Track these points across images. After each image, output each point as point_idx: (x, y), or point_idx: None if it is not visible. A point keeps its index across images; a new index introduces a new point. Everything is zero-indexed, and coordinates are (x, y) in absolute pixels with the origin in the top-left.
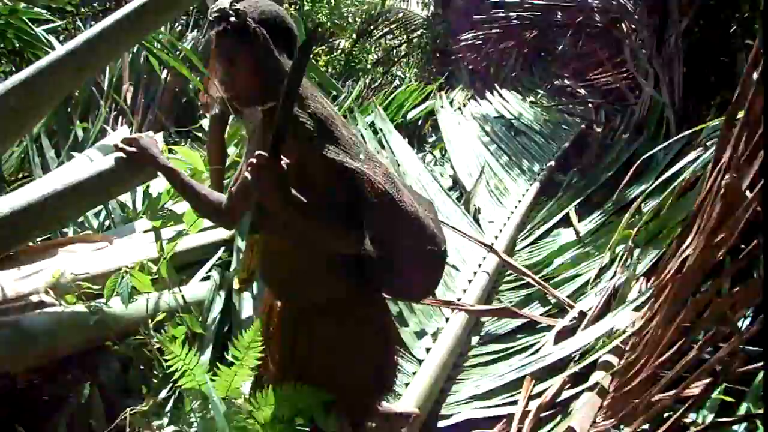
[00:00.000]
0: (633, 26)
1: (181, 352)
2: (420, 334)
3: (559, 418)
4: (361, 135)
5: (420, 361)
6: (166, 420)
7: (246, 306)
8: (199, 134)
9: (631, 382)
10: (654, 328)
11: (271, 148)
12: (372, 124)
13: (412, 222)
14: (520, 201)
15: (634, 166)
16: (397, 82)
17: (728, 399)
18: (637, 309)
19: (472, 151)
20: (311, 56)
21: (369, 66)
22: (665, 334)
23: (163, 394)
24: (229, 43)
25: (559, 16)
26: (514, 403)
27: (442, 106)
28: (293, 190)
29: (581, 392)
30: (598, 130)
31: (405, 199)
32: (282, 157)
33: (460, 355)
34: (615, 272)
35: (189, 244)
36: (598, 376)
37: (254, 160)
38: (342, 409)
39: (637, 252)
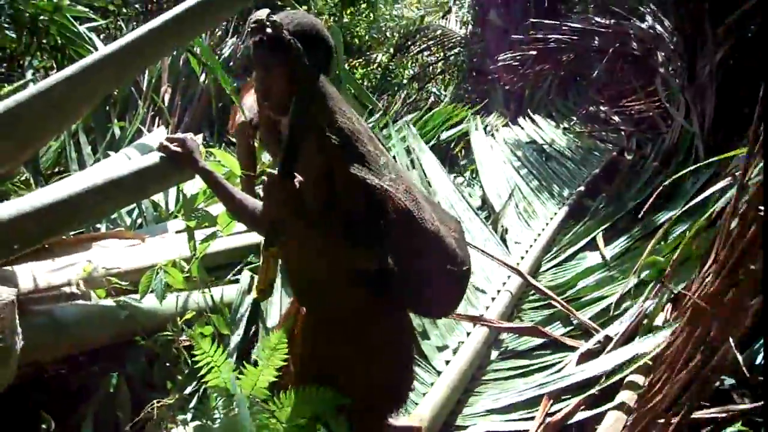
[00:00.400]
0: (667, 56)
1: (210, 349)
2: (441, 348)
3: None
4: (392, 151)
5: (439, 373)
6: (189, 415)
7: (273, 311)
8: (234, 139)
9: (653, 399)
10: (677, 348)
11: (281, 165)
12: (404, 139)
13: (431, 240)
14: (547, 224)
15: (658, 190)
16: (432, 98)
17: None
18: (658, 332)
19: (503, 174)
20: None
21: (405, 81)
22: (688, 355)
23: (188, 390)
24: (264, 53)
25: (596, 41)
26: (532, 418)
27: (476, 129)
28: (309, 206)
29: (604, 412)
30: (629, 157)
31: (426, 217)
32: (295, 174)
33: (479, 368)
34: (642, 297)
35: (221, 246)
36: (623, 396)
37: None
38: (354, 417)
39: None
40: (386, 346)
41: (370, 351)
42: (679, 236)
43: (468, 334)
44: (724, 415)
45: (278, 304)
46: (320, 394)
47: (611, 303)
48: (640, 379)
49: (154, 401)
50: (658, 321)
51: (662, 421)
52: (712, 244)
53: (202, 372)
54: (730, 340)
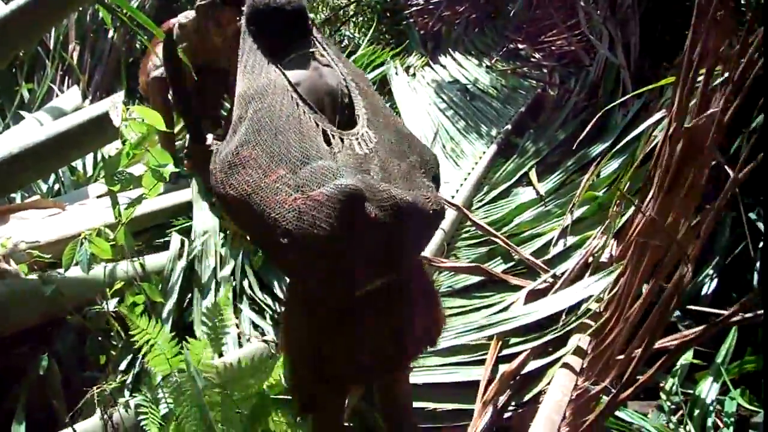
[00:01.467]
0: None
1: (146, 325)
2: None
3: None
4: None
5: None
6: (128, 394)
7: (206, 273)
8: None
9: (605, 340)
10: (625, 286)
11: (190, 134)
12: None
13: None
14: (476, 163)
15: (590, 125)
16: (346, 42)
17: (698, 362)
18: (610, 272)
19: (428, 116)
20: None
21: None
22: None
23: (123, 365)
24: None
25: None
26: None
27: (396, 74)
28: None
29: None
30: (553, 93)
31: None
32: (206, 138)
33: None
34: (585, 235)
35: (146, 208)
36: (576, 339)
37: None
38: (291, 390)
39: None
40: (312, 320)
41: (298, 323)
42: (615, 172)
43: None
44: (675, 343)
45: (211, 268)
46: (265, 367)
47: (551, 238)
48: (590, 322)
49: (93, 387)
50: (604, 258)
51: (621, 357)
52: (650, 176)
53: (142, 351)
54: (686, 267)
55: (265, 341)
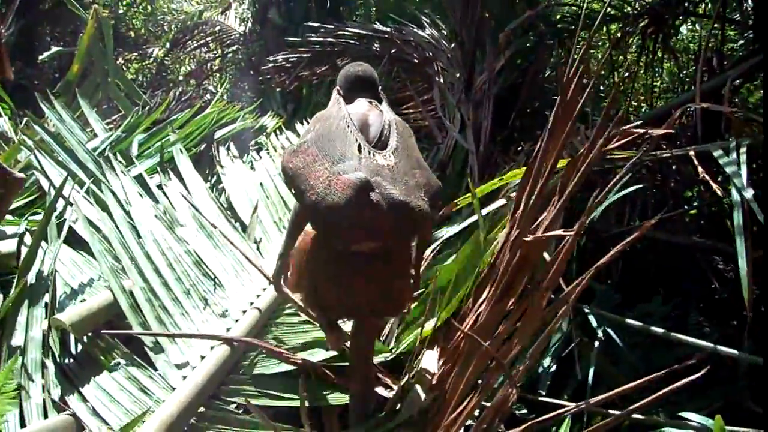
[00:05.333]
0: (445, 66)
1: None
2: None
3: None
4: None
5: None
6: None
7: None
8: None
9: None
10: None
11: None
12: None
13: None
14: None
15: (442, 211)
16: (208, 96)
17: None
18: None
19: (253, 187)
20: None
21: (181, 77)
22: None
23: None
24: None
25: (376, 47)
26: None
27: (228, 153)
28: None
29: None
30: None
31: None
32: None
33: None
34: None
35: None
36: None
37: None
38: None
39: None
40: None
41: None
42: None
43: (212, 348)
44: None
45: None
46: None
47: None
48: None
49: None
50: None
51: None
52: (487, 274)
53: None
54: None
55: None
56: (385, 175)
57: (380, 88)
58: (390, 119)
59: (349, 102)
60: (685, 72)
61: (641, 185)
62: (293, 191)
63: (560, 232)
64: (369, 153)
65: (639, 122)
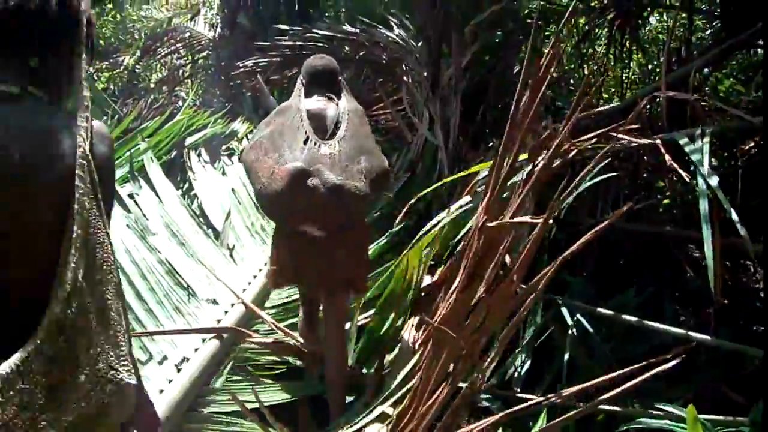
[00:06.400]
0: (412, 65)
1: None
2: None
3: None
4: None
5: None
6: None
7: None
8: None
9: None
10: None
11: None
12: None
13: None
14: None
15: (406, 207)
16: (180, 103)
17: None
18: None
19: (225, 193)
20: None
21: (152, 85)
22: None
23: None
24: None
25: (346, 49)
26: None
27: (200, 159)
28: None
29: None
30: None
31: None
32: None
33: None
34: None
35: None
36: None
37: None
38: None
39: None
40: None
41: None
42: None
43: (195, 349)
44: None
45: None
46: None
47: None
48: (389, 409)
49: None
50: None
51: None
52: (455, 267)
53: None
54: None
55: None
56: (326, 163)
57: (341, 78)
58: (345, 109)
59: (310, 91)
60: (655, 63)
61: (612, 174)
62: (252, 184)
63: (527, 218)
64: (314, 144)
65: (606, 108)
